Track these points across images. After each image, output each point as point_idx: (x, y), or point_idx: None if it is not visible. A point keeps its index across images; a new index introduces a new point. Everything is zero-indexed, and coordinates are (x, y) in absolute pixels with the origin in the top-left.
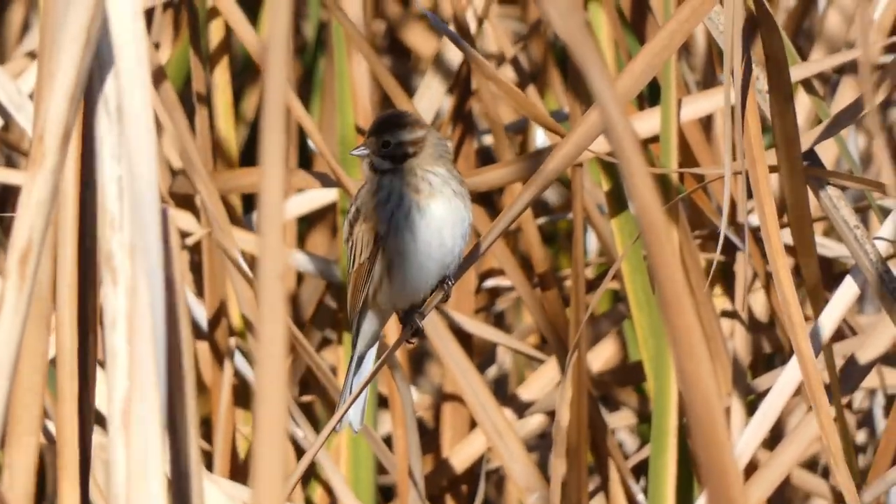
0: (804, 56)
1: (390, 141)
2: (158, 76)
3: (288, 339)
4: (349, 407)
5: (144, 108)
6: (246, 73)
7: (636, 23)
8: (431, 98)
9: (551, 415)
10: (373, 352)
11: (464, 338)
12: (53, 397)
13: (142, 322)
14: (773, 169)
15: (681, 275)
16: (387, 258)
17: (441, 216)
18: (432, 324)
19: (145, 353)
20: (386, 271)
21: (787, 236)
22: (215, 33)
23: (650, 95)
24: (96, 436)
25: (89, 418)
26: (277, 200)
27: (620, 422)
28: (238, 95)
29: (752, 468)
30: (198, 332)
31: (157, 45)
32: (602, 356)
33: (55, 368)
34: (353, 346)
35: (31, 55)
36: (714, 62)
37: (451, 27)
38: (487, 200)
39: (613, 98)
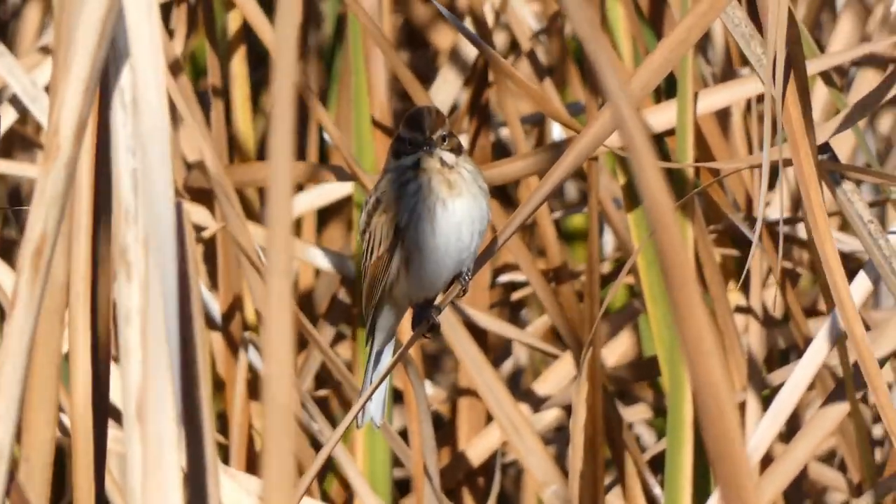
0: (822, 48)
1: (444, 136)
2: (175, 69)
3: (301, 335)
4: (366, 401)
5: (159, 100)
6: (263, 65)
7: (653, 18)
8: (448, 91)
9: (567, 409)
10: (390, 347)
11: (479, 333)
12: (68, 391)
13: (156, 316)
14: (786, 163)
15: (691, 270)
16: (405, 250)
17: (463, 212)
18: (448, 319)
19: (159, 347)
20: (404, 264)
21: (801, 231)
22: (232, 25)
23: (667, 89)
24: (112, 429)
25: (104, 412)
26: (286, 195)
27: (636, 416)
28: (256, 88)
29: (767, 462)
30: (212, 326)
31: (171, 34)
32: (617, 351)
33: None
34: (368, 341)
35: (46, 50)
36: (731, 56)
37: (468, 20)
38: (503, 193)
39: (624, 93)
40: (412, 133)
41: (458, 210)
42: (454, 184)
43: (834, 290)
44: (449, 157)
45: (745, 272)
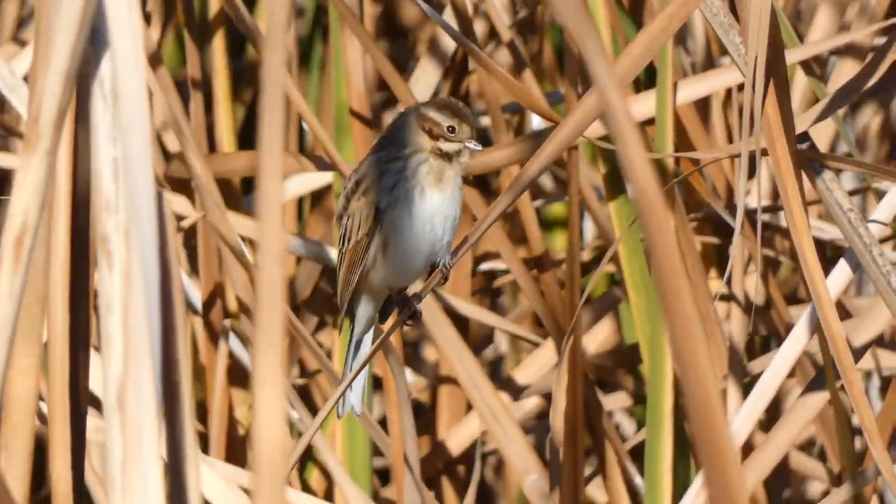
0: (801, 38)
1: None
2: (153, 58)
3: (285, 323)
4: (345, 390)
5: (139, 89)
6: (242, 55)
7: (633, 8)
8: (428, 80)
9: (547, 397)
10: (369, 335)
11: (460, 320)
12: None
13: (136, 305)
14: (765, 153)
15: (678, 258)
16: (383, 234)
17: (440, 204)
18: (428, 307)
19: (140, 336)
20: (382, 248)
21: (782, 219)
22: (211, 13)
23: (647, 79)
24: (93, 418)
25: (83, 401)
26: (276, 185)
27: (617, 404)
28: (235, 78)
29: (748, 450)
30: (193, 314)
31: (147, 21)
32: (598, 339)
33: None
34: (341, 328)
35: (23, 43)
36: (711, 45)
37: (448, 9)
38: (483, 183)
39: (612, 81)
40: (460, 123)
41: (437, 201)
42: (442, 175)
43: (811, 284)
44: (475, 146)
45: (728, 265)
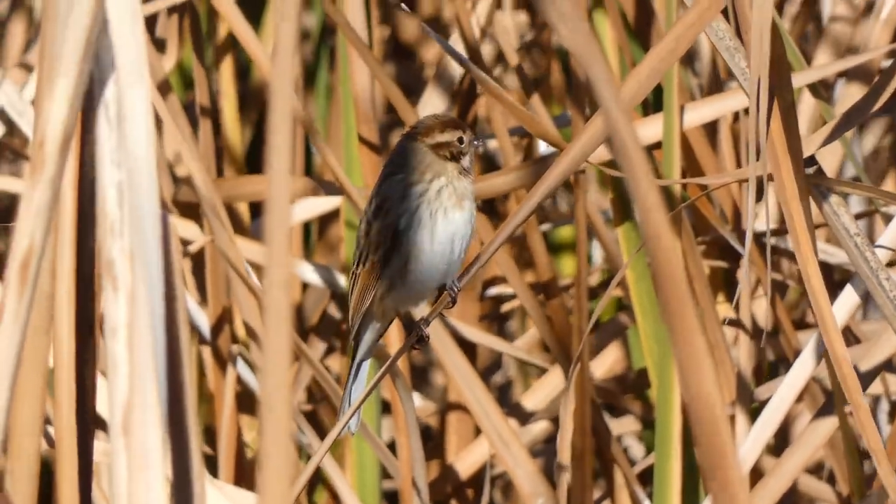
0: (808, 60)
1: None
2: (163, 83)
3: (292, 349)
4: (351, 416)
5: (144, 113)
6: (248, 77)
7: (640, 30)
8: (435, 104)
9: (556, 422)
10: (369, 359)
11: (468, 345)
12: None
13: (142, 329)
14: (773, 177)
15: (684, 284)
16: (403, 256)
17: (460, 223)
18: (436, 332)
19: (146, 360)
20: (399, 269)
21: (787, 242)
22: (219, 38)
23: (654, 102)
24: (100, 442)
25: (90, 424)
26: (284, 210)
27: (625, 428)
28: (242, 102)
29: (755, 474)
30: (201, 340)
31: (161, 48)
32: (606, 363)
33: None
34: (354, 352)
35: (31, 67)
36: (718, 68)
37: (455, 34)
38: (491, 207)
39: (618, 105)
40: (463, 130)
41: (456, 220)
42: (464, 195)
43: (817, 310)
44: (467, 163)
45: (737, 291)
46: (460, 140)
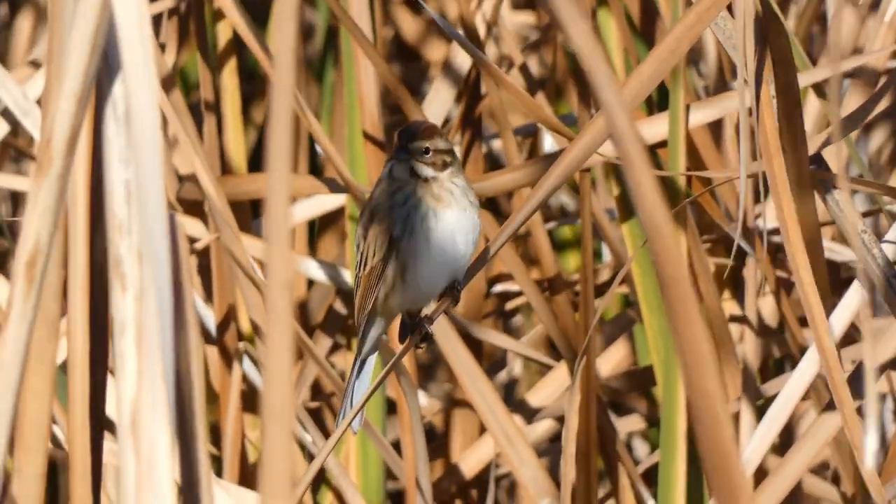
0: (814, 60)
1: (430, 148)
2: (167, 82)
3: (296, 346)
4: (355, 416)
5: (151, 111)
6: (253, 78)
7: (645, 30)
8: (441, 103)
9: (561, 420)
10: (374, 356)
11: (473, 343)
12: (62, 404)
13: (150, 327)
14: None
15: (687, 280)
16: (401, 260)
17: (455, 222)
18: (441, 329)
19: (154, 359)
20: (399, 274)
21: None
22: (222, 38)
23: (659, 102)
24: (107, 442)
25: (101, 425)
26: (284, 207)
27: (630, 427)
28: (247, 101)
29: (761, 473)
30: (206, 337)
31: (162, 48)
32: (612, 361)
33: (65, 374)
34: (358, 349)
35: (37, 63)
36: (724, 68)
37: (460, 32)
38: (496, 205)
39: (619, 102)
40: (394, 142)
41: (450, 220)
42: (440, 197)
43: (806, 306)
44: (425, 170)
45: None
46: (451, 152)
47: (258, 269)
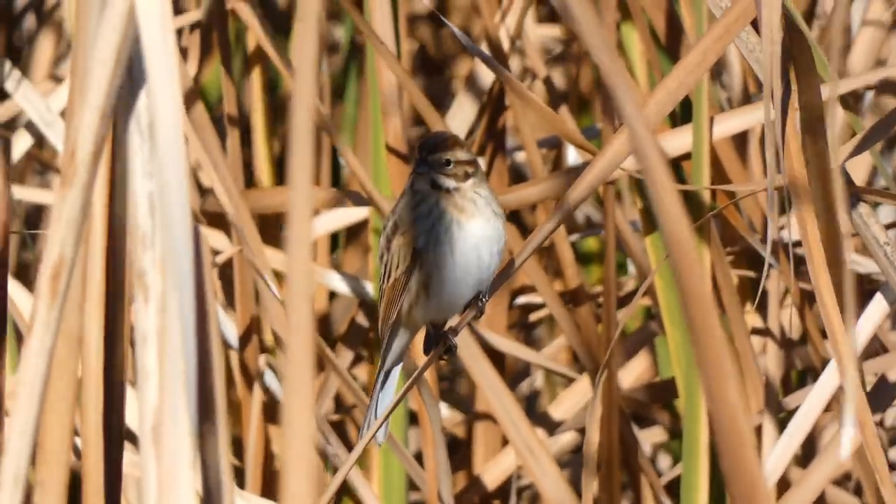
0: (839, 73)
1: (451, 160)
2: (191, 95)
3: (318, 358)
4: (379, 427)
5: (175, 124)
6: (276, 89)
7: (669, 43)
8: (464, 116)
9: (583, 432)
10: (398, 368)
11: (496, 355)
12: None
13: (173, 339)
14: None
15: (709, 294)
16: (425, 272)
17: (479, 233)
18: (464, 341)
19: (176, 370)
20: (423, 285)
21: None
22: (249, 50)
23: (683, 114)
24: (129, 453)
25: (118, 436)
26: (305, 220)
27: (652, 439)
28: (272, 113)
29: (784, 485)
30: (228, 349)
31: (184, 57)
32: (634, 373)
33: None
34: (382, 361)
35: (59, 79)
36: (748, 81)
37: (484, 46)
38: (519, 218)
39: (640, 116)
40: (416, 155)
41: (474, 231)
42: (464, 208)
43: (827, 322)
44: (446, 182)
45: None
46: (473, 161)
47: (276, 284)
